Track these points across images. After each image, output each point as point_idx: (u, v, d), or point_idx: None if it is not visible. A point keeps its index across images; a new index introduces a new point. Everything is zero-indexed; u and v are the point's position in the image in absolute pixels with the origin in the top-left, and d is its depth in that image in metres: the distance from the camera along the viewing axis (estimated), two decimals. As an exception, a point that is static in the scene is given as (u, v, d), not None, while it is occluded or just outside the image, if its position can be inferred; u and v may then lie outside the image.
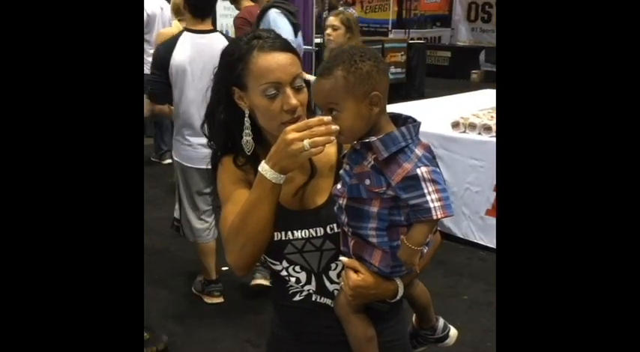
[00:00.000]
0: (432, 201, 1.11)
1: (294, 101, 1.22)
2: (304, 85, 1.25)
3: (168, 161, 5.61)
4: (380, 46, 9.78)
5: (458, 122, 4.19)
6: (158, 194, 5.19)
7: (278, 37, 1.29)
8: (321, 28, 8.87)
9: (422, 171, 1.11)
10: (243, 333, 3.06)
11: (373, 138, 1.15)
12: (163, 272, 3.74)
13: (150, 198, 5.06)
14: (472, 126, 4.10)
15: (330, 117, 1.14)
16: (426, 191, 1.11)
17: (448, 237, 4.17)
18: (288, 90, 1.23)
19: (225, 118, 1.31)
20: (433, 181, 1.11)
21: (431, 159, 1.15)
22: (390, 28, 13.32)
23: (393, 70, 9.97)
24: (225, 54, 1.31)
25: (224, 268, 3.52)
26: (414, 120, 1.21)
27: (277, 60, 1.23)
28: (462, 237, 4.18)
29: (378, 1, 14.12)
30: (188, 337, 3.06)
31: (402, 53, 10.19)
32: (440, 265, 3.82)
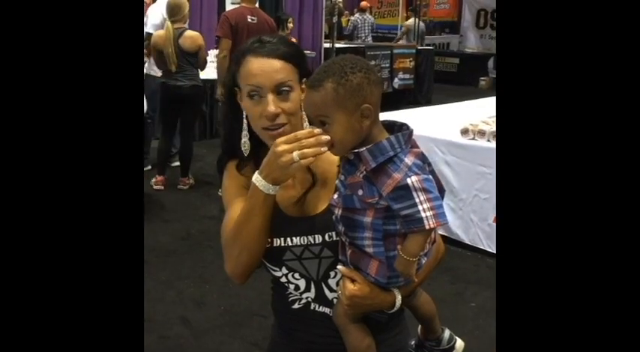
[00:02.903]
0: (424, 210, 1.09)
1: (271, 108, 1.21)
2: (291, 91, 1.24)
3: (176, 164, 5.63)
4: (389, 52, 9.80)
5: (467, 129, 4.19)
6: (166, 197, 5.21)
7: (279, 43, 1.27)
8: (330, 34, 8.92)
9: (412, 180, 1.10)
10: (250, 337, 3.06)
11: (362, 149, 1.14)
12: (170, 275, 3.75)
13: (157, 202, 5.09)
14: (481, 133, 4.10)
15: (319, 129, 1.14)
16: (417, 200, 1.09)
17: (456, 243, 4.17)
18: (269, 97, 1.22)
19: (229, 117, 1.33)
20: (424, 190, 1.10)
21: (422, 166, 1.13)
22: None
23: (401, 75, 9.98)
24: (234, 55, 1.34)
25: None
26: (408, 128, 1.20)
27: (261, 64, 1.23)
28: (469, 243, 4.17)
29: (387, 7, 14.16)
30: (195, 340, 3.07)
31: (411, 59, 10.21)
32: (447, 272, 3.81)
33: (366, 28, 11.87)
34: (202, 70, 5.39)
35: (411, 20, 12.22)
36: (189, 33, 5.09)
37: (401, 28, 13.21)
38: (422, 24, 12.27)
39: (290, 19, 7.45)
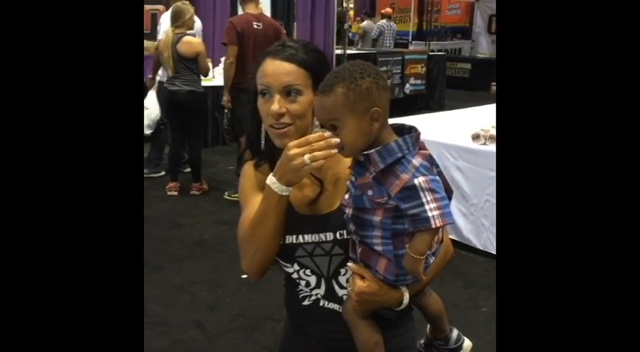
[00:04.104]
0: (431, 210, 1.13)
1: (274, 107, 1.27)
2: (300, 95, 1.29)
3: (189, 169, 5.67)
4: (400, 58, 9.82)
5: (478, 134, 4.20)
6: (180, 203, 5.26)
7: (299, 48, 1.33)
8: (342, 40, 8.96)
9: (419, 180, 1.13)
10: (263, 341, 3.09)
11: (371, 151, 1.18)
12: (184, 279, 3.79)
13: (170, 207, 5.14)
14: (492, 139, 4.10)
15: (330, 133, 1.18)
16: (424, 200, 1.13)
17: (468, 248, 4.17)
18: (276, 97, 1.28)
19: (252, 114, 1.38)
20: (431, 190, 1.13)
21: (429, 167, 1.17)
22: (410, 40, 13.38)
23: (412, 81, 10.00)
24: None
25: (243, 276, 3.57)
26: (416, 130, 1.24)
27: (275, 66, 1.29)
28: (481, 248, 4.17)
29: (399, 13, 14.19)
30: (209, 343, 3.10)
31: (422, 65, 10.22)
32: (459, 276, 3.82)
33: (390, 35, 12.02)
34: (205, 76, 5.43)
35: (366, 22, 12.66)
36: (187, 38, 5.15)
37: (410, 34, 13.30)
38: (373, 24, 12.63)
39: (283, 26, 7.47)
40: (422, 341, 1.52)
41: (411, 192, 1.14)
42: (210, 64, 6.91)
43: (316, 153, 1.17)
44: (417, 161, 1.17)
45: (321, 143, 1.18)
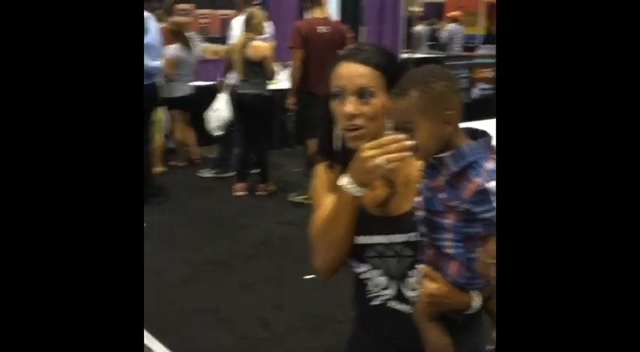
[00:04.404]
0: None
1: (348, 108, 1.30)
2: (373, 97, 1.31)
3: (256, 171, 5.79)
4: (468, 62, 9.67)
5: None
6: (246, 203, 5.36)
7: (373, 51, 1.35)
8: (411, 43, 8.92)
9: (492, 185, 1.13)
10: (328, 340, 3.12)
11: (444, 154, 1.19)
12: (250, 278, 3.87)
13: (237, 208, 5.25)
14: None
15: (403, 135, 1.19)
16: (495, 205, 1.12)
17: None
18: (349, 98, 1.31)
19: (326, 117, 1.40)
20: None
21: None
22: (480, 44, 13.14)
23: (481, 85, 9.82)
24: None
25: (306, 276, 3.62)
26: (488, 135, 1.24)
27: (348, 69, 1.32)
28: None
29: (466, 16, 13.98)
30: (274, 342, 3.15)
31: (492, 69, 10.02)
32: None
33: (459, 38, 11.88)
34: (270, 80, 5.54)
35: (420, 26, 12.31)
36: (255, 43, 5.29)
37: (479, 37, 13.05)
38: (426, 28, 12.33)
39: (349, 29, 7.54)
40: (490, 347, 1.50)
41: (483, 196, 1.14)
42: (277, 68, 7.01)
43: (390, 155, 1.19)
44: (490, 165, 1.17)
45: (396, 145, 1.19)
